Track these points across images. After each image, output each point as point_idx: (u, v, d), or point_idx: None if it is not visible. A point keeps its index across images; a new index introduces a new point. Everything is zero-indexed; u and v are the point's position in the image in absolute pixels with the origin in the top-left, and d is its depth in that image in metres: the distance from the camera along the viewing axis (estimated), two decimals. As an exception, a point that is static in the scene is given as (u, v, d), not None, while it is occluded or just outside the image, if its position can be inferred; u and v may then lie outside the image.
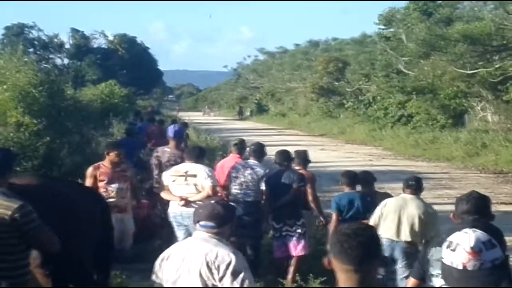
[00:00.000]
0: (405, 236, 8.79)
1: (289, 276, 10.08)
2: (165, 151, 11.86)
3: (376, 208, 9.03)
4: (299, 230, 10.12)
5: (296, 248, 10.12)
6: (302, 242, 10.13)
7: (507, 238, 11.18)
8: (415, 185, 9.05)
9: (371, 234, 3.48)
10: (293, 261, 10.19)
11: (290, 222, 10.13)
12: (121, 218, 10.47)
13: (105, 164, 10.76)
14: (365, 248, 3.34)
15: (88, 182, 10.47)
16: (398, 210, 8.81)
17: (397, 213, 8.78)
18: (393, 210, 8.86)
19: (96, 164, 10.87)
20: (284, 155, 10.56)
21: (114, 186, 10.61)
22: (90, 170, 10.69)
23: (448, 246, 3.34)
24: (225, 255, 4.90)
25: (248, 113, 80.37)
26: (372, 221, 8.98)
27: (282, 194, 10.11)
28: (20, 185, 6.23)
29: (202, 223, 5.08)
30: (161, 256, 5.12)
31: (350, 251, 3.31)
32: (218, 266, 4.88)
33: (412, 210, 8.78)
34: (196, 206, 9.76)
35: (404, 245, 8.80)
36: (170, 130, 12.20)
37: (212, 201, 5.21)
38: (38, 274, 6.65)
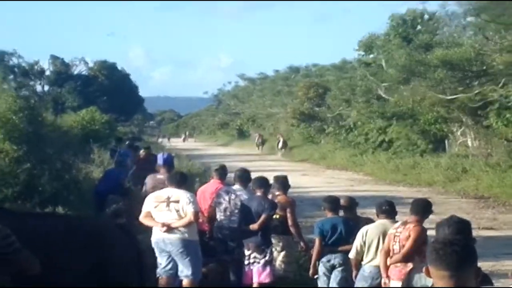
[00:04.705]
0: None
1: None
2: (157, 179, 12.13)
3: (356, 237, 8.99)
4: (266, 257, 10.00)
5: (261, 275, 9.97)
6: (267, 269, 10.00)
7: (489, 263, 11.22)
8: (389, 209, 9.04)
9: (466, 243, 3.73)
10: None
11: (259, 249, 10.03)
12: None
13: None
14: (460, 256, 3.59)
15: None
16: (381, 236, 8.76)
17: (381, 240, 8.73)
18: (376, 237, 8.80)
19: None
20: (260, 182, 10.45)
21: None
22: None
23: None
24: None
25: (280, 145, 53.22)
26: (353, 251, 8.94)
27: (252, 221, 10.03)
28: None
29: None
30: None
31: (445, 258, 3.59)
32: None
33: (394, 235, 8.72)
34: (178, 232, 9.75)
35: (392, 271, 8.74)
36: (160, 158, 12.61)
37: None
38: None
